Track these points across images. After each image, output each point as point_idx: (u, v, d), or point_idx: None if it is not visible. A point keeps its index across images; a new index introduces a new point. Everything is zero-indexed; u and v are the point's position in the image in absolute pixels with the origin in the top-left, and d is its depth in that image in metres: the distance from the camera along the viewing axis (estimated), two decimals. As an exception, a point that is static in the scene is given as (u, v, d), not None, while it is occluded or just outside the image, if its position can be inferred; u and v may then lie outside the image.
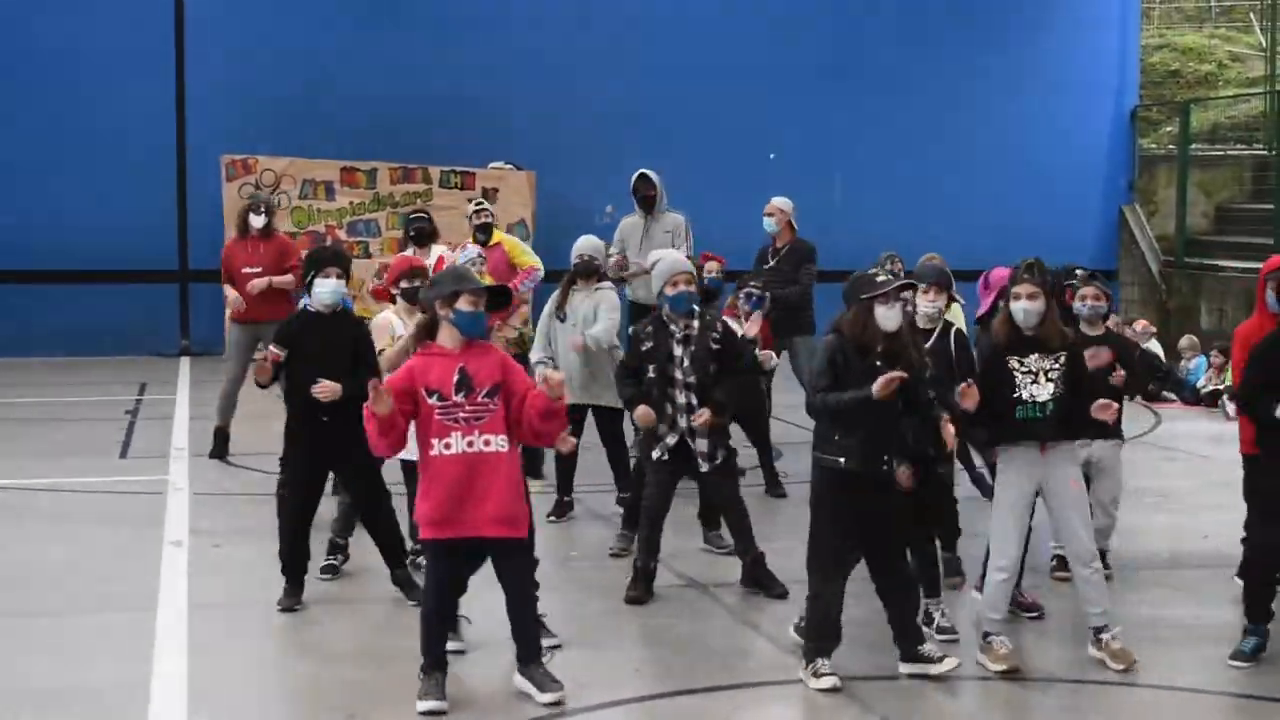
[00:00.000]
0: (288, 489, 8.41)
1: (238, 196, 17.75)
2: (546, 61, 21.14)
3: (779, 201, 13.09)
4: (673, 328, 8.49)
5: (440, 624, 6.77)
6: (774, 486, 11.31)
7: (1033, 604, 8.07)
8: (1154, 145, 24.46)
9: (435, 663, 6.68)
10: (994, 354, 7.30)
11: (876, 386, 6.78)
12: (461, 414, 6.58)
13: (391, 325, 8.69)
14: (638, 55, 21.49)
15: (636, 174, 12.69)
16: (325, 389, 8.08)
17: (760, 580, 8.56)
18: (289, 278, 12.55)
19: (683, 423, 8.44)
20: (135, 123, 20.20)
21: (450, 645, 6.94)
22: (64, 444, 13.58)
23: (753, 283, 10.93)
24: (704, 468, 8.49)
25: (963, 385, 7.11)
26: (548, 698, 6.69)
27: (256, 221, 12.82)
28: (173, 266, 20.16)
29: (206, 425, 12.93)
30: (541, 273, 12.50)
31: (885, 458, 6.99)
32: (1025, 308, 7.23)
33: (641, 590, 8.41)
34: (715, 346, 8.47)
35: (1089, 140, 23.08)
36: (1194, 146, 22.97)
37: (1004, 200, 21.76)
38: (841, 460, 6.96)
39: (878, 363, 6.90)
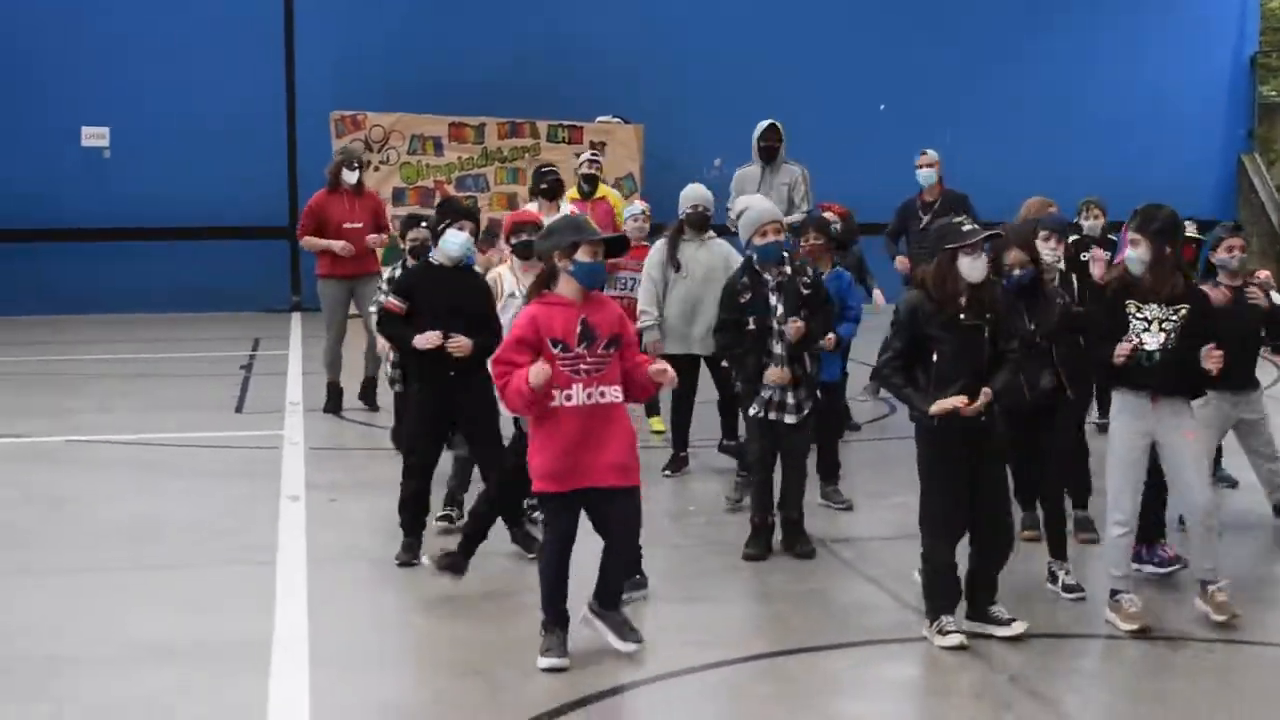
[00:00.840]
0: (415, 443, 8.35)
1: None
2: (653, 15, 21.04)
3: (935, 153, 12.80)
4: (766, 276, 8.34)
5: (561, 579, 6.68)
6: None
7: (1175, 556, 7.85)
8: (1274, 93, 23.91)
9: (556, 618, 6.62)
10: (1109, 297, 7.13)
11: (935, 408, 6.70)
12: (584, 365, 6.53)
13: (502, 279, 8.60)
14: (745, 7, 21.30)
15: (766, 124, 12.50)
16: (460, 345, 8.02)
17: (789, 539, 8.40)
18: (384, 236, 12.79)
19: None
20: (245, 80, 20.38)
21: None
22: (181, 399, 13.75)
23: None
24: (790, 420, 8.31)
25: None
26: (629, 648, 6.65)
27: (350, 177, 12.83)
28: (283, 223, 20.29)
29: (319, 380, 12.99)
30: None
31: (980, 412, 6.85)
32: (1129, 255, 7.12)
33: (760, 547, 8.29)
34: (806, 291, 8.33)
35: (1208, 88, 22.62)
36: (1316, 93, 22.47)
37: (1122, 149, 21.36)
38: (935, 420, 6.83)
39: (960, 315, 6.75)
